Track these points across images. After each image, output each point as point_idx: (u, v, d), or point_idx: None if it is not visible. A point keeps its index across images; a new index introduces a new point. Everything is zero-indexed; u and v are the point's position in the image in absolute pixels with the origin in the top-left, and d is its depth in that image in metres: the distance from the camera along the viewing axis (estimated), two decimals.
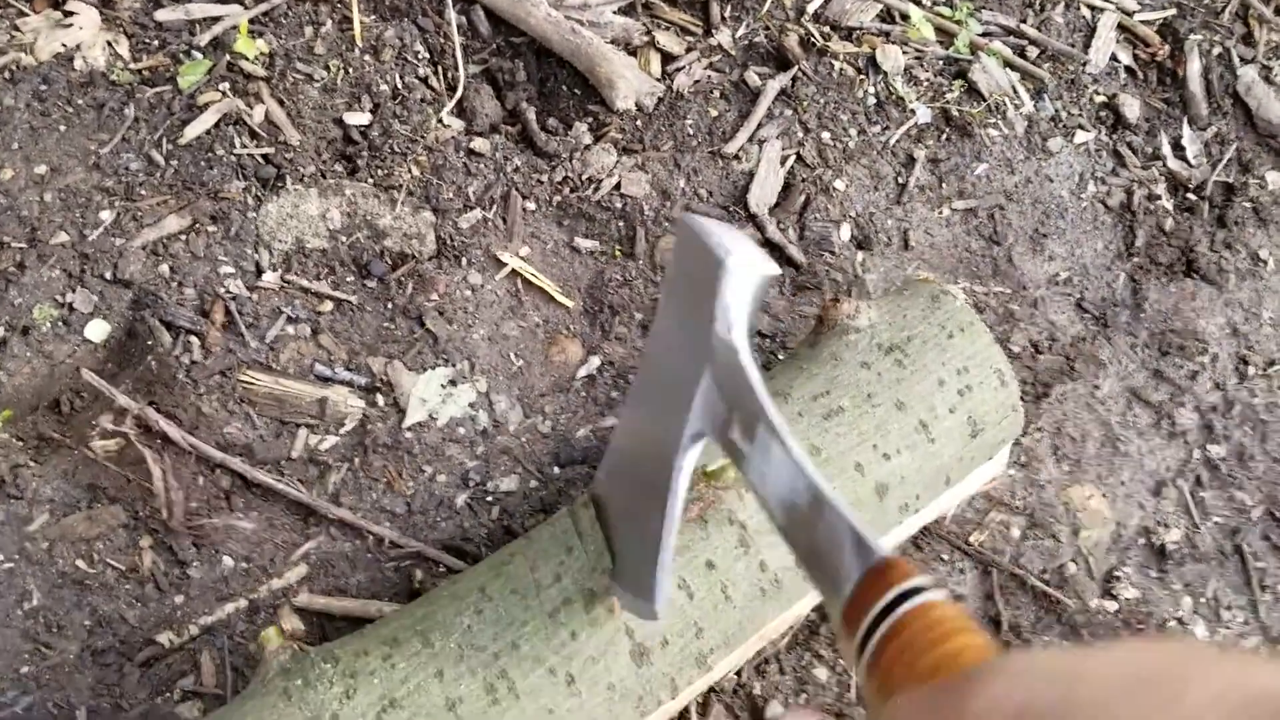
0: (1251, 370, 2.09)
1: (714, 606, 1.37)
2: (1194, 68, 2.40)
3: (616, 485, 1.34)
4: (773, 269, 1.07)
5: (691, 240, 1.09)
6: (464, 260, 1.94)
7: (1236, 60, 2.42)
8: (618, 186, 2.04)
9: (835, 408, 1.50)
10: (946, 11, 2.37)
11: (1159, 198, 2.26)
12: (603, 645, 1.30)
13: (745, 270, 1.04)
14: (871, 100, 2.25)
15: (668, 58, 2.21)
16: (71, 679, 1.55)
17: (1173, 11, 2.48)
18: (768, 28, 2.28)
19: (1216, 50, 2.43)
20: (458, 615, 1.31)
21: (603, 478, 1.39)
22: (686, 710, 1.59)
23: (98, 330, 1.78)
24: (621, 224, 2.02)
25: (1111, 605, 1.83)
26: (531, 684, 1.27)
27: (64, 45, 2.00)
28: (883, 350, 1.56)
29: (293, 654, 1.29)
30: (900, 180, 2.18)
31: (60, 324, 1.78)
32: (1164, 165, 2.30)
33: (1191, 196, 2.27)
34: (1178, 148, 2.34)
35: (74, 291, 1.80)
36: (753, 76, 2.21)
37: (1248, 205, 2.26)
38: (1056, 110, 2.32)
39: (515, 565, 1.37)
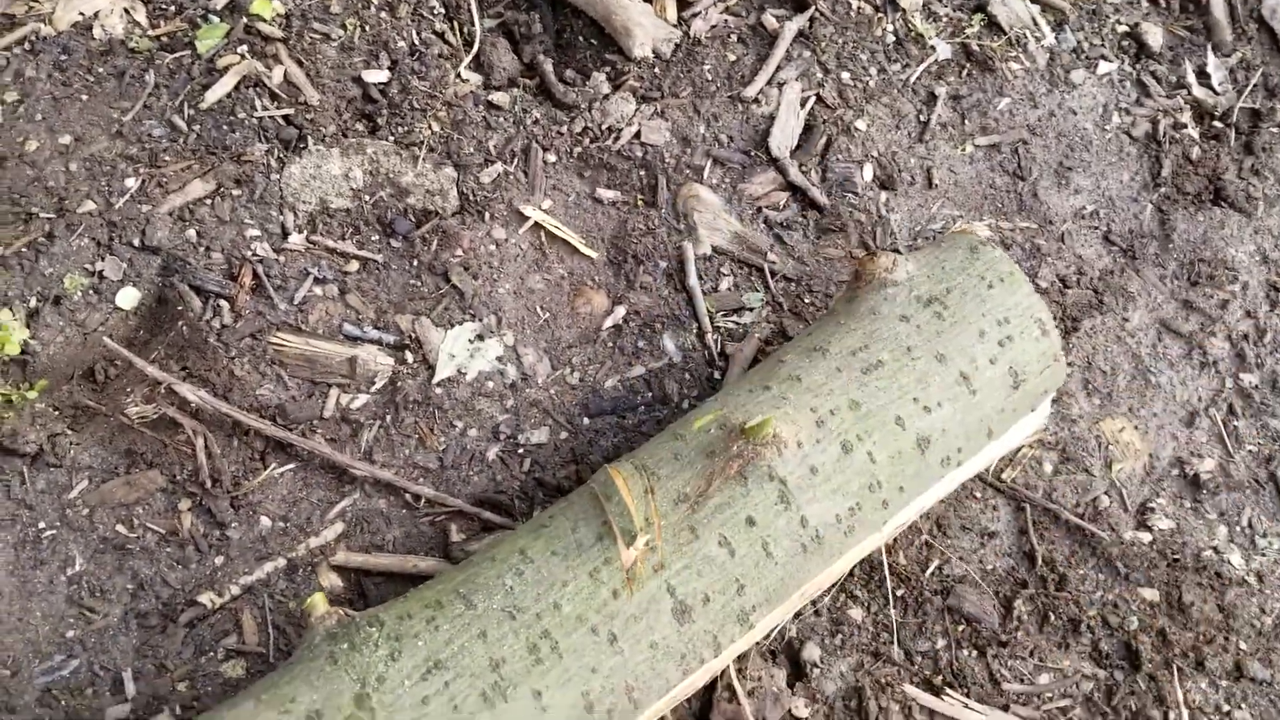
0: None
1: (755, 564, 1.29)
2: None
3: None
4: None
5: None
6: (487, 215, 1.84)
7: None
8: (638, 135, 1.93)
9: (874, 361, 1.41)
10: None
11: (1184, 126, 2.12)
12: (644, 603, 1.23)
13: None
14: (891, 38, 2.12)
15: (684, 3, 2.08)
16: (116, 641, 1.50)
17: None
18: None
19: None
20: (499, 577, 1.24)
21: None
22: None
23: (128, 298, 1.71)
24: (643, 173, 1.92)
25: (1146, 537, 1.73)
26: (574, 643, 1.20)
27: (82, 14, 1.91)
28: (921, 303, 1.47)
29: (339, 619, 1.23)
30: (922, 118, 2.05)
31: (91, 292, 1.70)
32: (1189, 93, 2.16)
33: (1218, 124, 2.13)
34: (1202, 75, 2.19)
35: (103, 260, 1.72)
36: (770, 19, 2.08)
37: (1275, 130, 2.11)
38: (1078, 42, 2.18)
39: (556, 525, 1.29)
